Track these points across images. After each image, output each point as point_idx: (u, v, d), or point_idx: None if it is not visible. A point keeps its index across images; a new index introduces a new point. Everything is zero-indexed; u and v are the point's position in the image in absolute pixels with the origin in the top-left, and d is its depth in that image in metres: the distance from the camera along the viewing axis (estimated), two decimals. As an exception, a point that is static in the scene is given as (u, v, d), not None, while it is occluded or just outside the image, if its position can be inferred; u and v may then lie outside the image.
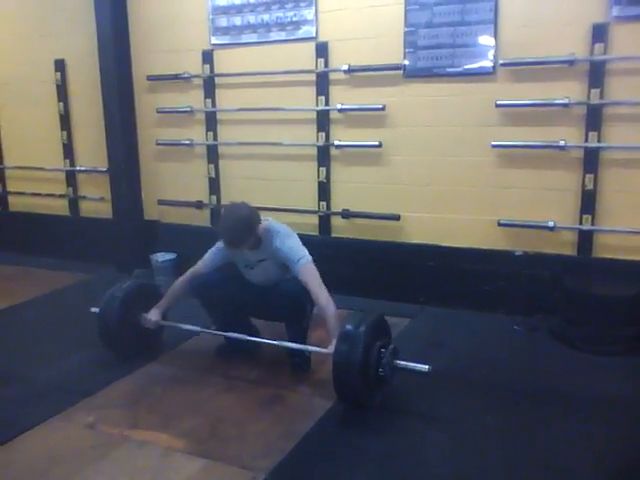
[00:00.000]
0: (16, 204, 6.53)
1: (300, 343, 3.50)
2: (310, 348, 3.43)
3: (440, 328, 4.18)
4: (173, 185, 5.61)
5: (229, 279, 3.70)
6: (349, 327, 3.04)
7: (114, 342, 3.76)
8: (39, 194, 6.25)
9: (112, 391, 3.42)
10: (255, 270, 3.65)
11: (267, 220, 3.53)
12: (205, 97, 5.24)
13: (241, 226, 3.35)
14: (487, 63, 4.22)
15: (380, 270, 4.74)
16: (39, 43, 5.93)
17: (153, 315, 3.71)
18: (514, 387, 3.37)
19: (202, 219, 5.44)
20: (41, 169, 6.17)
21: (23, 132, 6.26)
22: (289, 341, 3.56)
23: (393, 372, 3.12)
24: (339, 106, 4.68)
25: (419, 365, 3.06)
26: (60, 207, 6.20)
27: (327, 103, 4.75)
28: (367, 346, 2.99)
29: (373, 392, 3.10)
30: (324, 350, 3.25)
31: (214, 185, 5.36)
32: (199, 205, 5.43)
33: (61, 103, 5.94)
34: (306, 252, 3.46)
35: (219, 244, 3.63)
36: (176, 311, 3.86)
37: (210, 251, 3.69)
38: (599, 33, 3.89)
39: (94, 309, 3.79)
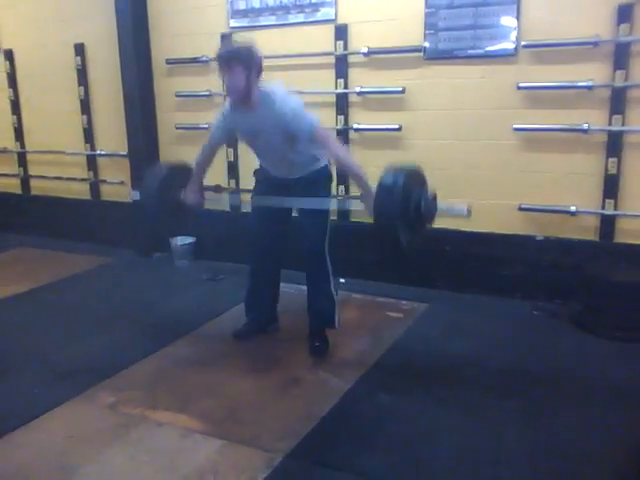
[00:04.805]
0: (38, 188, 6.60)
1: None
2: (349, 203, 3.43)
3: (459, 313, 4.16)
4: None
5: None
6: (388, 173, 2.96)
7: (156, 221, 3.83)
8: (60, 178, 6.31)
9: (132, 373, 3.46)
10: (259, 142, 3.47)
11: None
12: (224, 81, 5.21)
13: (242, 48, 3.32)
14: (509, 45, 4.14)
15: (398, 254, 4.70)
16: (59, 27, 5.96)
17: (192, 192, 3.68)
18: (532, 372, 3.35)
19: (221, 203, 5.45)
20: (62, 153, 6.22)
21: (44, 116, 6.31)
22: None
23: (433, 213, 3.09)
24: (358, 89, 4.64)
25: (457, 207, 3.11)
26: (81, 191, 6.26)
27: (346, 86, 4.71)
28: (407, 189, 2.93)
29: (413, 236, 3.03)
30: (364, 198, 3.18)
31: (233, 169, 5.35)
32: (218, 189, 5.43)
33: (81, 87, 5.97)
34: (309, 114, 3.26)
35: (218, 115, 3.57)
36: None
37: (213, 125, 3.61)
38: (624, 13, 3.80)
39: (134, 195, 3.87)
